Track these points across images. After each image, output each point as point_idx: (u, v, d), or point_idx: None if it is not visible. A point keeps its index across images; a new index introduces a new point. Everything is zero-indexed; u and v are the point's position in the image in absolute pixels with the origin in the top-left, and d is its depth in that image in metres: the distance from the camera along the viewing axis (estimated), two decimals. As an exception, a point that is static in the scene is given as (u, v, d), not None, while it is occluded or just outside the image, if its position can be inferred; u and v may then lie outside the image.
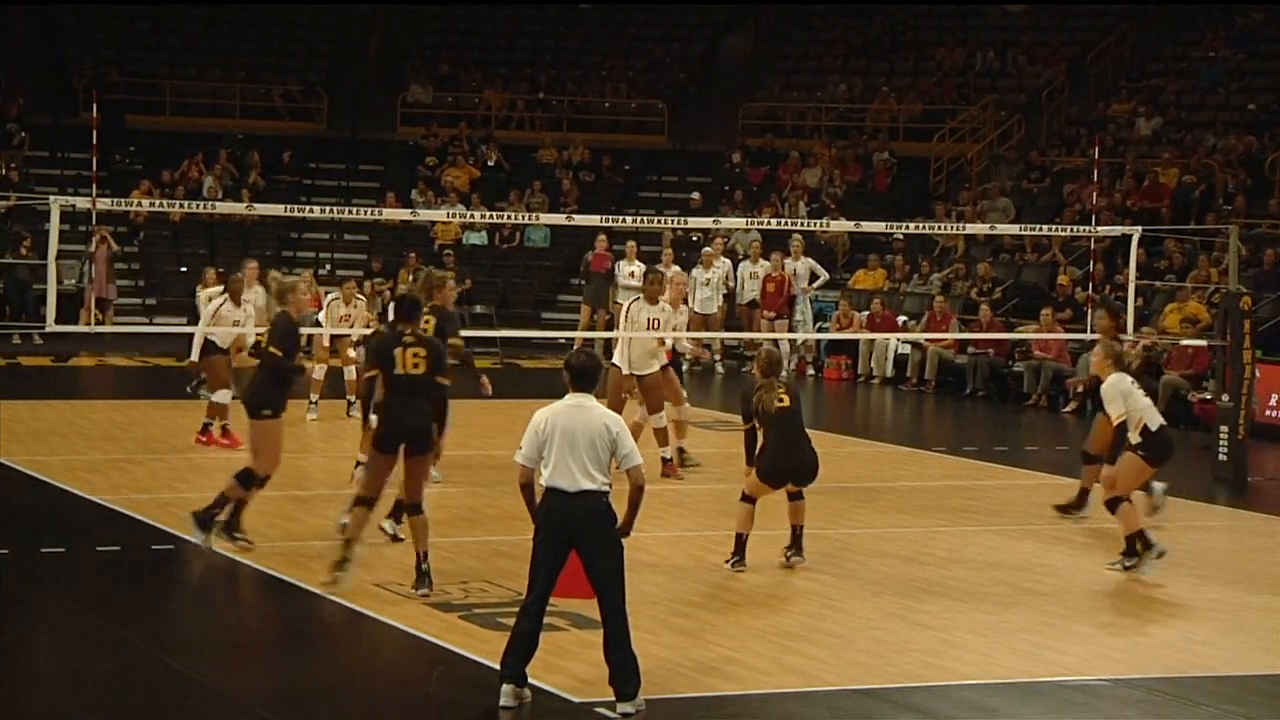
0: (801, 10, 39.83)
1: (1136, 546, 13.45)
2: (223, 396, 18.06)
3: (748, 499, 13.25)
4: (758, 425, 13.13)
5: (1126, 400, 13.53)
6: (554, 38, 39.55)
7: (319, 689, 10.18)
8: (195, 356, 18.23)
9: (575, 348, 10.65)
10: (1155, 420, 13.60)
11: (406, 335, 12.21)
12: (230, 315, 18.10)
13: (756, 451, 13.17)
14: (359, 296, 21.21)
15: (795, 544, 13.39)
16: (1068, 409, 24.09)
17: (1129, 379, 13.67)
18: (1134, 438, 13.52)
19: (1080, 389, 17.08)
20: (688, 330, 24.22)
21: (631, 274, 28.44)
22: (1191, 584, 13.36)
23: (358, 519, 12.23)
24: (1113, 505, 13.54)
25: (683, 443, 17.58)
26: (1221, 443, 18.22)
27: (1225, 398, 18.39)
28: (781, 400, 13.11)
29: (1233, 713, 10.10)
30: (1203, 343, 21.31)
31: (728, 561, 13.19)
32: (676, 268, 27.65)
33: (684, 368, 24.89)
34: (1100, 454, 14.85)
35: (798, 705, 9.96)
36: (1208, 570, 14.00)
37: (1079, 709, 10.05)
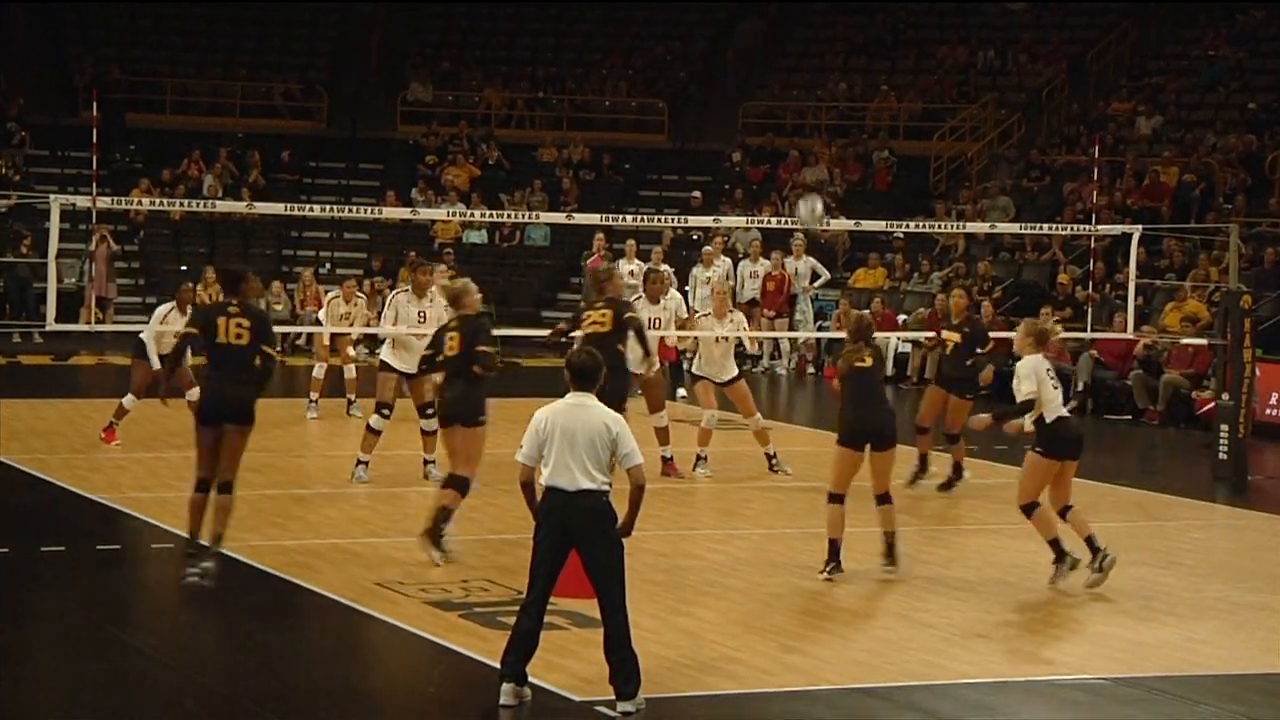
0: (802, 8, 39.83)
1: (1064, 548, 12.89)
2: (130, 402, 18.02)
3: (835, 498, 12.91)
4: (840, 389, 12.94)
5: (1040, 385, 12.91)
6: (554, 36, 39.55)
7: (319, 689, 10.17)
8: (155, 364, 17.98)
9: (576, 346, 10.64)
10: (1054, 411, 12.93)
11: (231, 305, 11.95)
12: (176, 324, 17.89)
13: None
14: (359, 295, 21.20)
15: (889, 553, 12.97)
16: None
17: (1046, 363, 13.08)
18: (1028, 424, 13.01)
19: (986, 380, 17.03)
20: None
21: (631, 273, 28.42)
22: (1192, 583, 13.36)
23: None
24: (1026, 511, 12.93)
25: (769, 448, 17.46)
26: (1222, 442, 18.21)
27: (1225, 396, 18.38)
28: (862, 360, 12.97)
29: (1233, 711, 10.10)
30: (1203, 341, 21.31)
31: (821, 572, 12.81)
32: (666, 266, 27.70)
33: (686, 367, 24.94)
34: (928, 425, 16.23)
35: (799, 704, 9.95)
36: (1208, 569, 14.00)
37: (1079, 708, 10.05)
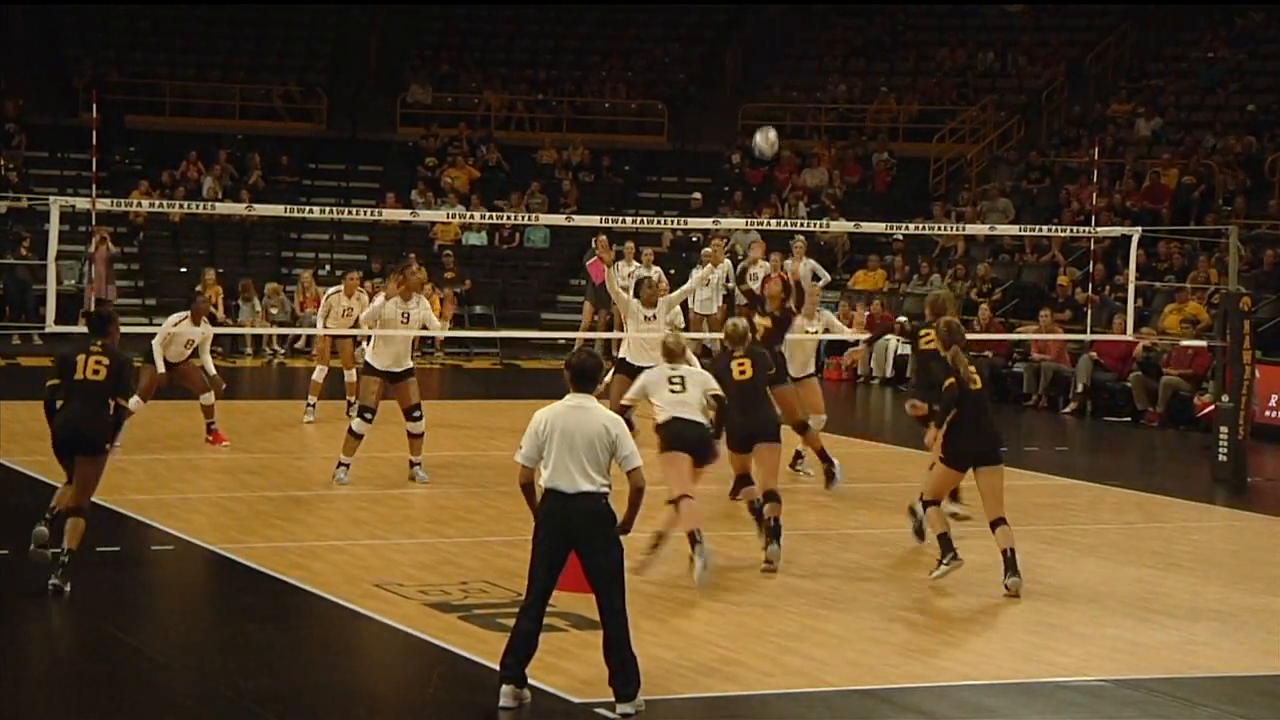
0: (801, 10, 39.84)
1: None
2: (136, 404, 18.01)
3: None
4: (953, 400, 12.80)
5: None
6: (554, 38, 39.56)
7: (319, 689, 10.18)
8: (160, 368, 18.03)
9: (575, 348, 10.65)
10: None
11: (93, 345, 12.19)
12: (188, 333, 17.95)
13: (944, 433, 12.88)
14: (362, 290, 20.89)
15: (1010, 567, 12.69)
16: (1067, 410, 24.12)
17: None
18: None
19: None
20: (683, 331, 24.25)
21: (630, 274, 28.43)
22: (1191, 584, 13.37)
23: None
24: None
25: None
26: (1221, 443, 18.22)
27: (1225, 398, 18.39)
28: (744, 372, 13.27)
29: (1232, 713, 10.10)
30: (1202, 343, 21.33)
31: (932, 572, 12.83)
32: (657, 269, 27.70)
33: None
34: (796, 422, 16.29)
35: (797, 706, 9.96)
36: (1207, 571, 14.01)
37: (1078, 709, 10.05)
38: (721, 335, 13.95)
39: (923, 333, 15.15)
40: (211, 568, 13.06)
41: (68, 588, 11.93)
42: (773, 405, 13.97)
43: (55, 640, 11.27)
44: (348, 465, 16.26)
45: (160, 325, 18.55)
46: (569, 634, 10.85)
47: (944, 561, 12.88)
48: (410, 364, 16.56)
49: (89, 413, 12.17)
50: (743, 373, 13.37)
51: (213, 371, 18.38)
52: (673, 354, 13.19)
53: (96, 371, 12.10)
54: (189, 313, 18.14)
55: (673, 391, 12.97)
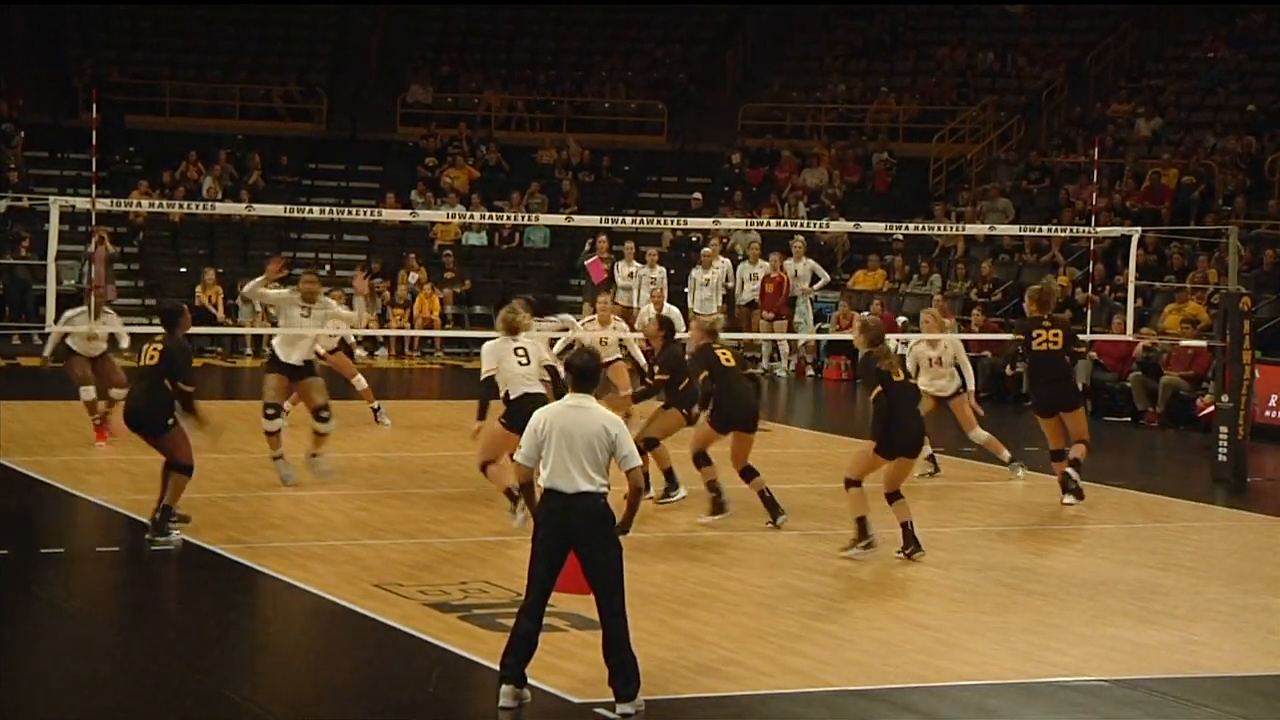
0: (801, 11, 39.84)
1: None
2: (87, 393, 18.40)
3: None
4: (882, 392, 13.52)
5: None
6: (554, 38, 39.54)
7: (319, 689, 10.18)
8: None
9: (575, 348, 10.66)
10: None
11: (158, 335, 13.69)
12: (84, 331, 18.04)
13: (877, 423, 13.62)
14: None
15: (909, 538, 13.72)
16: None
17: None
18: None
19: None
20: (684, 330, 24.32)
21: (630, 274, 28.44)
22: (1191, 584, 13.36)
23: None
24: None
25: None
26: (1221, 443, 18.21)
27: (1225, 398, 18.39)
28: (899, 371, 13.91)
29: (1232, 713, 10.09)
30: (1202, 343, 21.32)
31: (845, 549, 13.63)
32: (661, 270, 27.71)
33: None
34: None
35: (797, 706, 9.95)
36: (1207, 571, 14.00)
37: (1078, 709, 10.05)
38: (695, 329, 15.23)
39: (1036, 333, 15.85)
40: (211, 568, 13.05)
41: (164, 540, 13.34)
42: (755, 395, 15.13)
43: (55, 640, 11.26)
44: (279, 457, 16.20)
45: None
46: (569, 634, 10.84)
47: (860, 544, 13.59)
48: (311, 361, 16.50)
49: (144, 395, 13.72)
50: (728, 360, 14.65)
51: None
52: (514, 328, 14.22)
53: (152, 358, 13.56)
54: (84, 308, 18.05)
55: (520, 364, 14.01)
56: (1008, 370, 24.39)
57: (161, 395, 13.53)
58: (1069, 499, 16.26)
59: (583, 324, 18.92)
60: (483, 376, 14.26)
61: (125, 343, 18.56)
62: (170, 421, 13.64)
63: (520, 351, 14.07)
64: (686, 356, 15.24)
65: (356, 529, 14.44)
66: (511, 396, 13.96)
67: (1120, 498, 17.31)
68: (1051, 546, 14.56)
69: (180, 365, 13.54)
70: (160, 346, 13.55)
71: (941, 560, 13.85)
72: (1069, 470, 16.27)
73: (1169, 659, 11.15)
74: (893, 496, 13.67)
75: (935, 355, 17.59)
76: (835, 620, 11.81)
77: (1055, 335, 16.39)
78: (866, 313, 14.07)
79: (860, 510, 13.59)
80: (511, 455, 13.30)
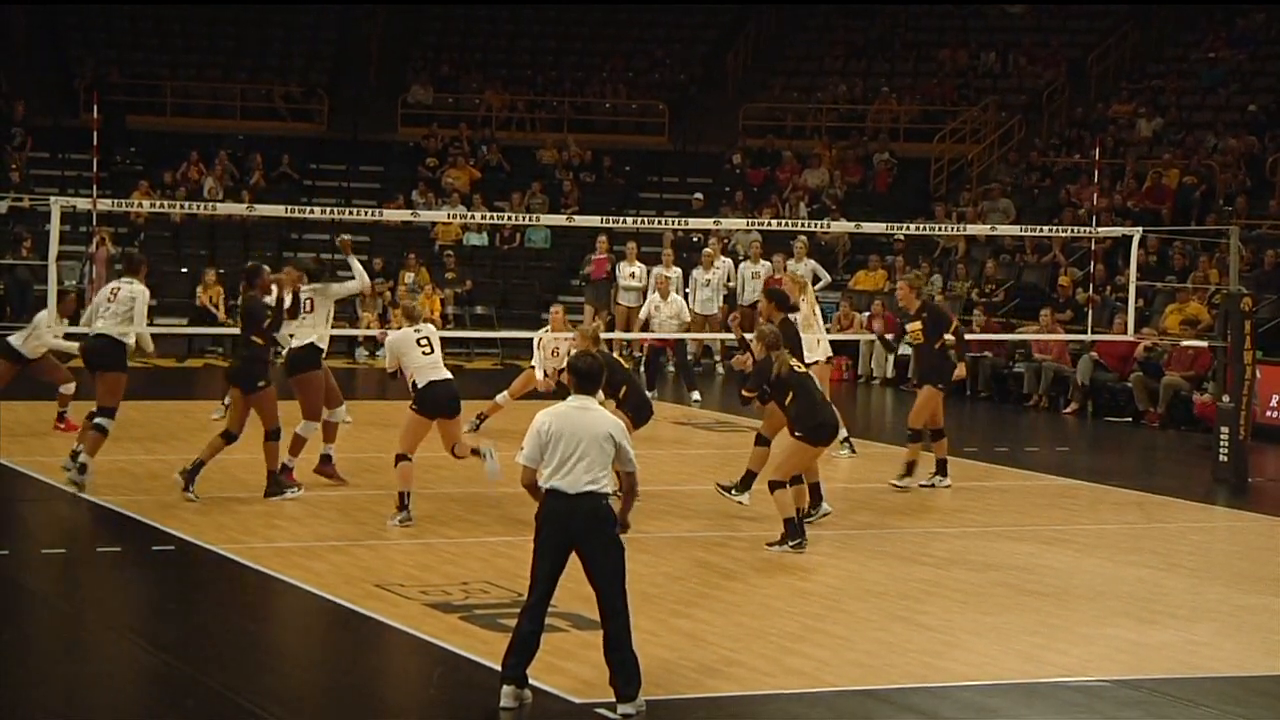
0: (802, 11, 39.83)
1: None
2: (68, 388, 18.81)
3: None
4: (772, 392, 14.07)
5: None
6: (555, 39, 39.53)
7: (320, 689, 10.17)
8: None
9: (576, 350, 10.67)
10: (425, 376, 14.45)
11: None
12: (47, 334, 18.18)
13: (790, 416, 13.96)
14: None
15: (815, 499, 14.69)
16: (1068, 410, 24.11)
17: (413, 333, 14.71)
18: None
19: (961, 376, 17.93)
20: (690, 331, 24.44)
21: (632, 274, 28.43)
22: (1192, 585, 13.36)
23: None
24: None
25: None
26: (1222, 444, 18.20)
27: (1226, 399, 18.38)
28: (787, 363, 14.15)
29: (1233, 713, 10.09)
30: (1203, 344, 21.31)
31: (771, 544, 13.90)
32: (677, 270, 27.67)
33: (678, 364, 24.91)
34: (919, 428, 16.99)
35: (799, 706, 9.95)
36: (1208, 571, 14.00)
37: (1080, 710, 10.04)
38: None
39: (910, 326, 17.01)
40: (212, 568, 13.05)
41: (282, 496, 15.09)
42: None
43: (55, 640, 11.26)
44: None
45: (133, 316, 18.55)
46: (570, 634, 10.83)
47: (789, 544, 13.84)
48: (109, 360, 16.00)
49: (238, 355, 15.35)
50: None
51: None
52: (412, 315, 14.97)
53: (236, 324, 15.19)
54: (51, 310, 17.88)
55: (424, 353, 14.52)
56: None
57: (253, 354, 14.99)
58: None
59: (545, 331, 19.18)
60: (389, 370, 15.17)
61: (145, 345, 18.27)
62: (261, 383, 14.97)
63: (424, 341, 14.60)
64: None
65: (357, 529, 14.44)
66: (419, 385, 14.50)
67: (1121, 497, 17.31)
68: (1052, 547, 14.55)
69: (249, 320, 15.06)
70: (241, 308, 14.92)
71: (942, 561, 13.86)
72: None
73: (1170, 659, 11.15)
74: (795, 480, 14.16)
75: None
76: (836, 621, 11.80)
77: (916, 329, 17.23)
78: (769, 325, 14.52)
79: (792, 511, 13.91)
80: (453, 450, 14.69)
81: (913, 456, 16.97)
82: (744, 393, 14.29)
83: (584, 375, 9.74)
